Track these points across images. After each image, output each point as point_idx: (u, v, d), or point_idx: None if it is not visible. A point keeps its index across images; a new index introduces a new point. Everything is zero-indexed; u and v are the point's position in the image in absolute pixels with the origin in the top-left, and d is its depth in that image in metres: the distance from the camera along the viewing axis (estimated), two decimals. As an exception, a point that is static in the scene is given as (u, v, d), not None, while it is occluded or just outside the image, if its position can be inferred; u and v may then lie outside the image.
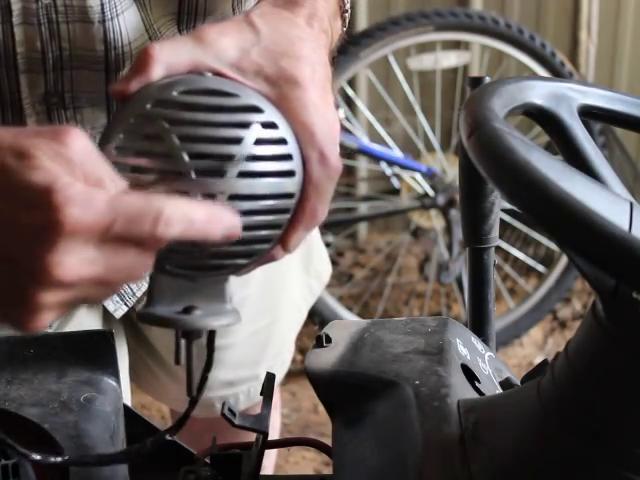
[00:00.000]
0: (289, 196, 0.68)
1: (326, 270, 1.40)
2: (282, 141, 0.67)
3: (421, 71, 2.78)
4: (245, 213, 0.64)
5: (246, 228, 0.64)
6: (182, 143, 0.63)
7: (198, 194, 0.63)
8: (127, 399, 1.17)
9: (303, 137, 0.68)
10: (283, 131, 0.67)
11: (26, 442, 0.69)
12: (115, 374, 0.78)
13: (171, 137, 0.63)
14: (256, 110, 0.66)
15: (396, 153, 2.71)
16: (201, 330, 0.67)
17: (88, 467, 0.68)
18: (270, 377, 0.79)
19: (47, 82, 0.85)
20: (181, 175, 0.63)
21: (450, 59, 2.78)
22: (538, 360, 2.50)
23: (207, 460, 0.79)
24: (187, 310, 0.66)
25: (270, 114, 0.67)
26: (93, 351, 0.79)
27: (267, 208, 0.66)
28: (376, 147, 2.66)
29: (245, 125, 0.65)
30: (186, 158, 0.63)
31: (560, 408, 0.60)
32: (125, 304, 1.03)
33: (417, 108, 2.75)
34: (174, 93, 0.64)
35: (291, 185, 0.68)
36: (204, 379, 0.71)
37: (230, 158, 0.64)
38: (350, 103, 2.82)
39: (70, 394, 0.74)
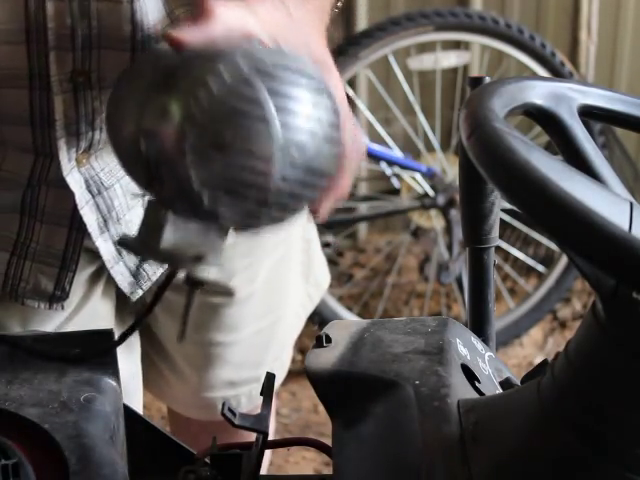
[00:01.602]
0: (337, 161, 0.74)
1: (325, 279, 1.40)
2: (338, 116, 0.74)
3: (421, 71, 2.78)
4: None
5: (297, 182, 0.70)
6: (277, 113, 0.68)
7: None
8: (139, 390, 1.19)
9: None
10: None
11: (26, 442, 0.69)
12: (115, 374, 0.78)
13: (270, 106, 0.68)
14: (329, 94, 0.73)
15: (396, 153, 2.71)
16: (204, 281, 0.72)
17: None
18: (270, 377, 0.79)
19: (75, 60, 0.86)
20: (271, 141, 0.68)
21: (450, 59, 2.78)
22: (538, 360, 2.50)
23: (207, 460, 0.79)
24: (197, 258, 0.71)
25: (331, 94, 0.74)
26: (93, 351, 0.79)
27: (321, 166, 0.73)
28: (376, 147, 2.66)
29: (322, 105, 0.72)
30: (278, 126, 0.68)
31: (560, 408, 0.60)
32: (141, 288, 1.04)
33: (417, 108, 2.75)
34: (270, 66, 0.69)
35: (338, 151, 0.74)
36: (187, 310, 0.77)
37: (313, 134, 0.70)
38: (350, 103, 2.82)
39: (70, 394, 0.74)
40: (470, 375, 0.73)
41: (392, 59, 2.62)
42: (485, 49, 2.74)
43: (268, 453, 1.55)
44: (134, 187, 0.85)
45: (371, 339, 0.76)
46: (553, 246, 2.71)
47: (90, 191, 0.94)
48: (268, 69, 0.69)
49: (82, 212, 0.94)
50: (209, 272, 0.71)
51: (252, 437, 0.76)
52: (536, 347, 2.71)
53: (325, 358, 0.73)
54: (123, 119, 0.72)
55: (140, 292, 1.04)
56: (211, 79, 0.68)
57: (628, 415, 0.58)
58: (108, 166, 0.95)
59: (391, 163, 2.69)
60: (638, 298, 0.54)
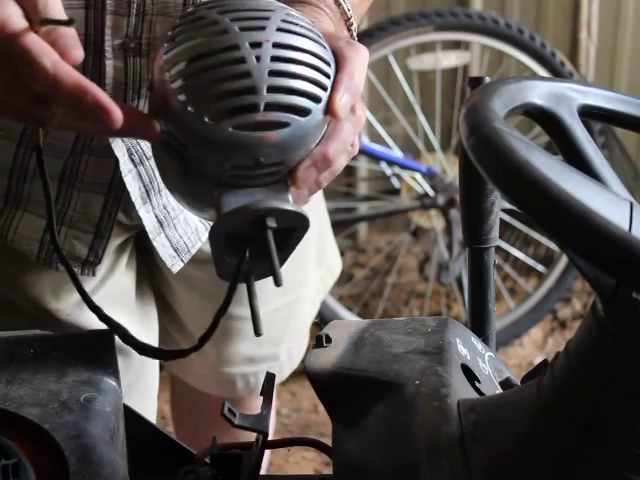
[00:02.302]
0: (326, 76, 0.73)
1: (337, 266, 1.43)
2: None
3: (421, 71, 2.78)
4: (288, 61, 0.70)
5: (289, 75, 0.70)
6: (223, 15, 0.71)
7: (246, 43, 0.69)
8: (155, 370, 1.22)
9: (341, 75, 0.74)
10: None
11: (26, 442, 0.69)
12: (115, 374, 0.78)
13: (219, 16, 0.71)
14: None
15: (396, 153, 2.71)
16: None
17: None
18: (270, 377, 0.79)
19: (129, 26, 0.89)
20: (227, 32, 0.70)
21: (450, 59, 2.78)
22: (538, 360, 2.50)
23: (207, 460, 0.79)
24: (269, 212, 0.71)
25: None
26: (93, 351, 0.79)
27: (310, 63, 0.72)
28: (376, 147, 2.66)
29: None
30: (229, 22, 0.71)
31: (560, 408, 0.60)
32: (181, 260, 1.05)
33: (417, 108, 2.75)
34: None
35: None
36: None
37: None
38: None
39: (70, 394, 0.74)
40: (470, 375, 0.73)
41: (392, 59, 2.62)
42: (485, 49, 2.74)
43: (267, 453, 1.55)
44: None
45: (371, 339, 0.76)
46: (553, 246, 2.71)
47: (132, 160, 0.97)
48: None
49: (125, 180, 0.96)
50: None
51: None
52: (536, 347, 2.71)
53: (325, 358, 0.73)
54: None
55: (181, 264, 1.05)
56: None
57: (628, 415, 0.58)
58: None
59: (391, 163, 2.70)
60: (638, 298, 0.54)
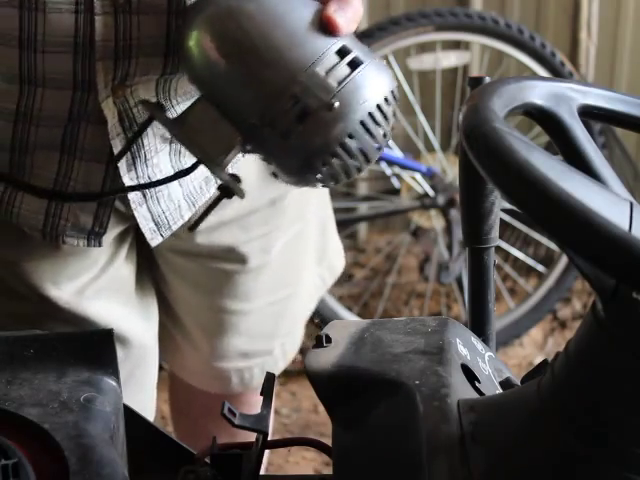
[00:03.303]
0: None
1: (340, 263, 1.44)
2: None
3: (421, 71, 2.78)
4: None
5: None
6: None
7: None
8: (155, 358, 1.23)
9: None
10: None
11: (26, 442, 0.69)
12: (115, 374, 0.78)
13: None
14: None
15: (396, 153, 2.71)
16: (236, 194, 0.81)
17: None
18: (270, 377, 0.79)
19: None
20: None
21: (450, 59, 2.78)
22: (538, 360, 2.50)
23: (207, 460, 0.79)
24: (235, 177, 0.80)
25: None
26: (93, 351, 0.79)
27: None
28: (376, 147, 2.66)
29: None
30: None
31: (560, 408, 0.60)
32: (161, 235, 1.05)
33: (417, 108, 2.75)
34: None
35: None
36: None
37: None
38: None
39: (70, 394, 0.74)
40: (470, 375, 0.73)
41: (392, 59, 2.62)
42: (485, 49, 2.74)
43: (267, 453, 1.55)
44: (164, 131, 0.94)
45: (371, 339, 0.76)
46: (553, 246, 2.71)
47: (122, 125, 0.96)
48: None
49: (112, 143, 0.96)
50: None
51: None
52: (536, 347, 2.71)
53: (325, 358, 0.73)
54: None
55: (160, 239, 1.05)
56: None
57: (628, 415, 0.58)
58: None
59: (391, 163, 2.69)
60: (638, 298, 0.54)
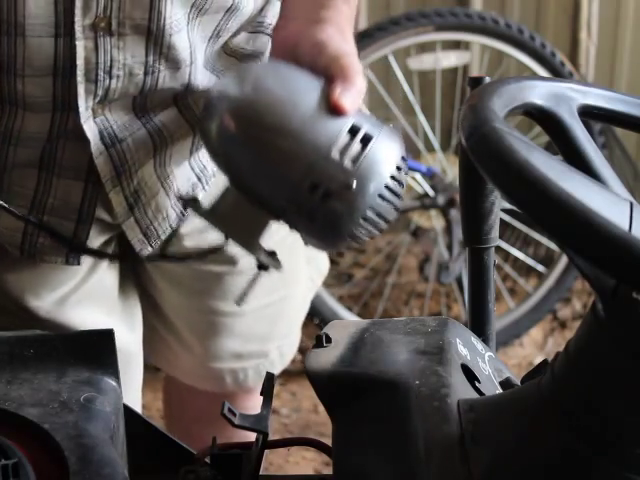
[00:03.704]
0: None
1: (325, 265, 1.42)
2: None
3: (421, 71, 2.77)
4: None
5: None
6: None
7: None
8: (139, 366, 1.22)
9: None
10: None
11: (26, 442, 0.69)
12: (115, 374, 0.78)
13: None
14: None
15: (396, 153, 2.70)
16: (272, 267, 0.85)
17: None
18: (270, 377, 0.79)
19: (98, 6, 0.89)
20: None
21: (450, 59, 2.78)
22: (538, 360, 2.49)
23: (207, 460, 0.79)
24: (272, 254, 0.85)
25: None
26: (93, 351, 0.79)
27: None
28: (376, 147, 2.65)
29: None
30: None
31: (560, 408, 0.60)
32: (150, 245, 1.06)
33: (417, 108, 2.75)
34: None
35: None
36: None
37: None
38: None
39: (70, 394, 0.74)
40: (470, 375, 0.73)
41: (392, 59, 2.62)
42: (485, 49, 2.74)
43: (266, 453, 1.55)
44: (145, 143, 0.99)
45: (371, 339, 0.76)
46: (553, 246, 2.71)
47: (104, 142, 0.98)
48: None
49: (97, 162, 0.97)
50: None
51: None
52: (536, 347, 2.71)
53: (325, 358, 0.73)
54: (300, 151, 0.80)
55: (149, 249, 1.06)
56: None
57: (628, 415, 0.58)
58: (121, 119, 0.98)
59: (391, 163, 2.69)
60: (638, 298, 0.54)
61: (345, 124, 0.80)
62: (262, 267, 0.84)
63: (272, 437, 0.75)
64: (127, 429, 0.78)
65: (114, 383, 0.78)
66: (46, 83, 0.93)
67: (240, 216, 0.83)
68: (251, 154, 0.80)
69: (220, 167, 0.85)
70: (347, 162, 0.79)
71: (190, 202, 0.85)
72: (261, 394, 0.77)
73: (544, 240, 2.77)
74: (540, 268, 2.80)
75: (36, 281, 1.06)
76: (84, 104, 0.94)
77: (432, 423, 0.65)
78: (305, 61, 0.86)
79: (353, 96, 0.82)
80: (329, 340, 0.76)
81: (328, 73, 0.84)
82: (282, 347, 1.33)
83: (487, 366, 0.79)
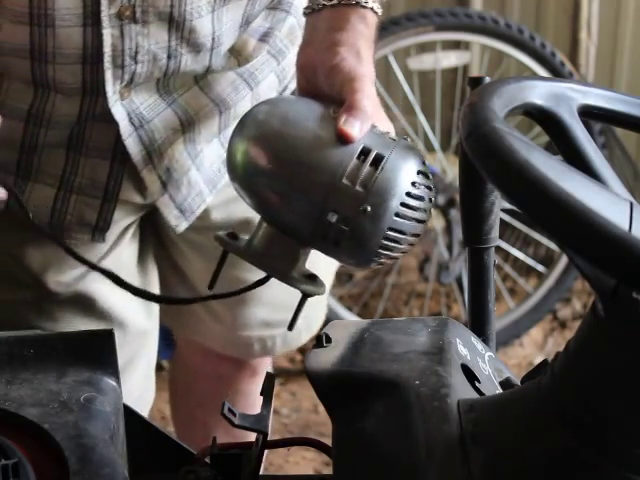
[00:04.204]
0: None
1: None
2: None
3: (421, 71, 2.77)
4: None
5: None
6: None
7: None
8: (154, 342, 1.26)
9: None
10: None
11: (26, 442, 0.69)
12: (115, 374, 0.78)
13: None
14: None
15: (396, 153, 2.70)
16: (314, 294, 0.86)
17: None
18: (270, 377, 0.79)
19: None
20: None
21: (450, 59, 2.78)
22: (538, 360, 2.49)
23: (207, 460, 0.79)
24: (311, 277, 0.86)
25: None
26: (93, 351, 0.79)
27: None
28: (376, 147, 2.65)
29: None
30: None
31: (560, 408, 0.60)
32: (186, 219, 1.11)
33: (417, 108, 2.75)
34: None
35: None
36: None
37: None
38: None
39: (70, 394, 0.74)
40: (470, 375, 0.73)
41: (392, 59, 2.62)
42: (485, 49, 2.74)
43: (266, 453, 1.56)
44: (172, 122, 1.05)
45: (371, 339, 0.76)
46: (553, 246, 2.71)
47: (132, 123, 1.03)
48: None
49: (126, 143, 1.03)
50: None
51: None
52: (536, 347, 2.71)
53: (325, 358, 0.73)
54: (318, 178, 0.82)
55: (185, 224, 1.11)
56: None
57: (628, 415, 0.58)
58: (147, 101, 1.04)
59: (391, 163, 2.69)
60: (638, 298, 0.54)
61: (354, 150, 0.82)
62: (306, 295, 0.86)
63: (272, 437, 0.75)
64: (127, 429, 0.78)
65: (114, 383, 0.78)
66: (75, 70, 0.98)
67: (273, 249, 0.86)
68: (270, 187, 0.83)
69: (247, 201, 0.87)
70: (358, 187, 0.81)
71: (226, 240, 0.88)
72: (261, 394, 0.77)
73: (544, 240, 2.77)
74: (540, 268, 2.80)
75: (58, 256, 1.09)
76: (112, 88, 0.99)
77: (432, 423, 0.65)
78: (323, 87, 0.89)
79: (360, 121, 0.83)
80: (329, 340, 0.76)
81: (341, 98, 0.86)
82: (308, 316, 1.35)
83: (487, 366, 0.79)
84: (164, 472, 0.80)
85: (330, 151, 0.82)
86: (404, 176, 0.82)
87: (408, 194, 0.81)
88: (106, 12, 0.94)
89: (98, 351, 0.79)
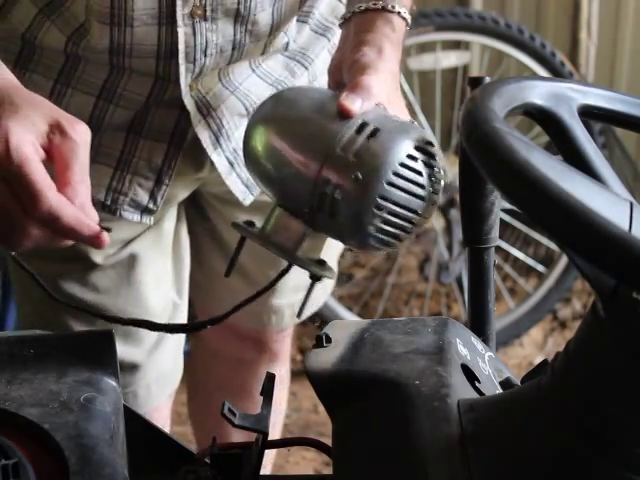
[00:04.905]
0: None
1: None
2: None
3: (421, 71, 2.78)
4: None
5: None
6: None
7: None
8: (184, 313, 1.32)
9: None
10: None
11: (26, 442, 0.69)
12: (115, 374, 0.78)
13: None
14: None
15: (396, 153, 2.70)
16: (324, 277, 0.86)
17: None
18: (270, 377, 0.79)
19: None
20: None
21: (450, 59, 2.78)
22: (538, 360, 2.50)
23: (207, 460, 0.79)
24: (320, 262, 0.86)
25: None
26: (93, 351, 0.79)
27: None
28: (376, 147, 2.65)
29: None
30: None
31: (560, 408, 0.60)
32: (251, 193, 1.21)
33: (417, 108, 2.75)
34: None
35: None
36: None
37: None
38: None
39: (70, 394, 0.74)
40: (470, 375, 0.73)
41: (392, 59, 2.62)
42: (485, 49, 2.74)
43: (271, 454, 1.56)
44: (237, 108, 1.14)
45: (371, 339, 0.76)
46: (553, 246, 2.71)
47: (201, 113, 1.12)
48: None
49: (196, 130, 1.12)
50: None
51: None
52: (536, 347, 2.71)
53: (325, 358, 0.73)
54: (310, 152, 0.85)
55: (251, 197, 1.21)
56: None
57: (628, 415, 0.58)
58: (211, 90, 1.12)
59: (391, 163, 2.69)
60: (638, 298, 0.54)
61: (353, 124, 0.84)
62: (314, 278, 0.86)
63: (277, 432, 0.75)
64: (127, 429, 0.78)
65: (114, 383, 0.78)
66: (150, 63, 1.07)
67: (281, 230, 0.87)
68: (274, 164, 0.86)
69: (258, 181, 0.90)
70: (351, 156, 0.82)
71: (242, 227, 0.89)
72: (261, 394, 0.77)
73: (544, 240, 2.77)
74: (540, 268, 2.80)
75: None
76: (184, 81, 1.08)
77: (432, 423, 0.65)
78: (346, 83, 0.92)
79: (360, 100, 0.85)
80: (329, 340, 0.76)
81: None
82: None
83: (487, 366, 0.79)
84: (164, 472, 0.80)
85: (330, 124, 0.85)
86: (399, 147, 0.82)
87: (402, 164, 0.82)
88: (180, 12, 1.02)
89: (98, 351, 0.79)
